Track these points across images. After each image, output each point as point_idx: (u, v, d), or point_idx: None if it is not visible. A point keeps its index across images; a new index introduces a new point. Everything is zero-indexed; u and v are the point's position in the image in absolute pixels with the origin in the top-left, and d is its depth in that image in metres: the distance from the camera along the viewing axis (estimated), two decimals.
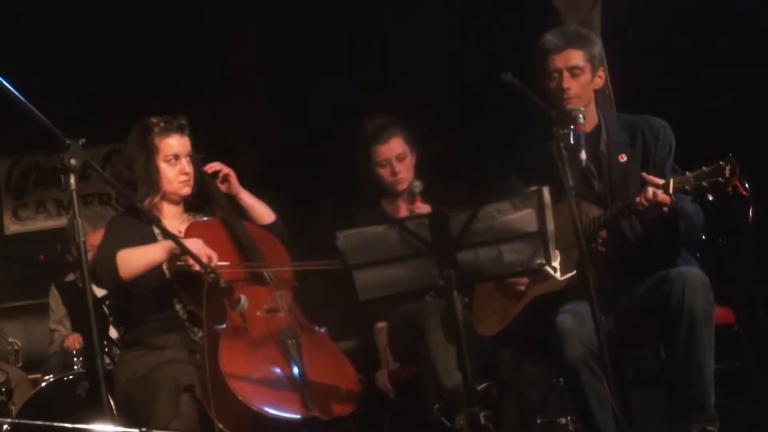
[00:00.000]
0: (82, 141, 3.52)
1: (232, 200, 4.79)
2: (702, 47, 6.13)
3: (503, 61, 4.03)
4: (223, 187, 4.78)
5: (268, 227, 4.81)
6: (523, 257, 3.64)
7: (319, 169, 7.38)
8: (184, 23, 7.38)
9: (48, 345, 7.15)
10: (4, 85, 3.42)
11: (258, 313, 4.40)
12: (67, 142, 3.48)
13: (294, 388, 4.17)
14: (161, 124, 4.60)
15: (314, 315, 4.61)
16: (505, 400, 5.00)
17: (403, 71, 6.80)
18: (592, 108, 4.50)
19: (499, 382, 4.94)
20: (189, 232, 4.49)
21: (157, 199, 4.61)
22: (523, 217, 3.58)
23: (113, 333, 6.11)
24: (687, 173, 4.07)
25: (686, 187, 4.05)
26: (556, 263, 3.78)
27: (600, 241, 4.33)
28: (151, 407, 4.18)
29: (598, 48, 4.51)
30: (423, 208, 5.10)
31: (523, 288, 4.45)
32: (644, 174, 4.20)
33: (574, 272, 4.14)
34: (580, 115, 4.21)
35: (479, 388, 4.83)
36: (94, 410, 3.66)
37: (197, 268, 4.21)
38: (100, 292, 5.62)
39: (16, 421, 5.44)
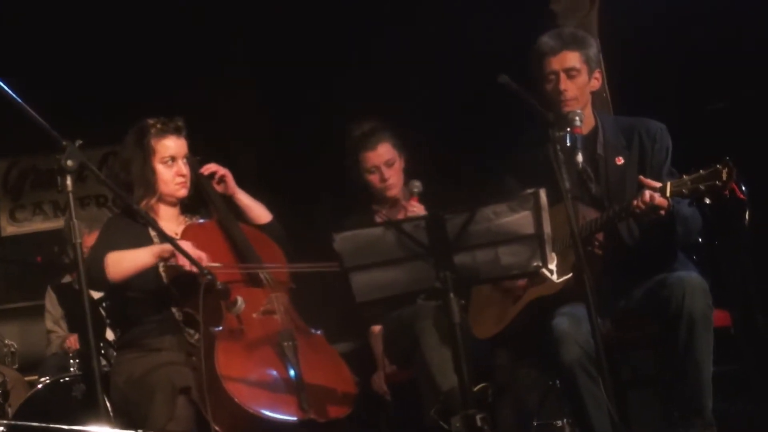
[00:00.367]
0: (78, 142, 3.52)
1: (229, 201, 4.79)
2: (699, 49, 6.14)
3: (501, 63, 4.03)
4: (219, 188, 4.78)
5: (265, 227, 4.82)
6: (519, 260, 3.63)
7: (316, 170, 7.37)
8: (181, 24, 7.38)
9: (45, 347, 7.14)
10: (2, 87, 3.42)
11: (254, 315, 4.40)
12: (64, 143, 3.49)
13: (290, 391, 4.17)
14: (158, 126, 4.61)
15: (311, 317, 4.61)
16: (502, 402, 4.99)
17: (401, 73, 6.80)
18: (589, 110, 4.51)
19: (496, 385, 4.93)
20: (185, 235, 4.49)
21: (153, 200, 4.61)
22: (520, 220, 3.58)
23: (110, 335, 6.10)
24: (684, 176, 4.07)
25: (683, 190, 4.04)
26: (552, 266, 3.78)
27: (596, 243, 4.33)
28: (148, 409, 4.18)
29: (594, 50, 4.52)
30: (417, 208, 5.08)
31: (519, 290, 4.45)
32: (641, 177, 4.20)
33: (571, 275, 4.15)
34: (577, 118, 4.22)
35: (475, 389, 4.84)
36: (91, 412, 3.66)
37: (189, 268, 4.21)
38: (97, 294, 5.61)
39: (13, 422, 5.42)
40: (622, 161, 4.43)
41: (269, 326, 4.39)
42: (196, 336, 4.39)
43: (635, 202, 4.12)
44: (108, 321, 5.99)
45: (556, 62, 4.43)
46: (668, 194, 4.06)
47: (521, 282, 4.43)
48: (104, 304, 5.83)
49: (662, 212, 4.10)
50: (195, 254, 4.22)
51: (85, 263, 4.29)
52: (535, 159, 4.25)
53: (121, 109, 5.68)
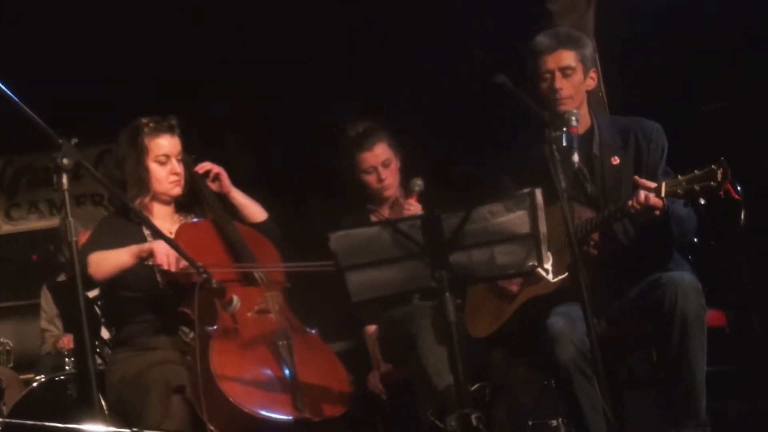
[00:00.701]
0: (74, 141, 3.52)
1: (224, 199, 4.79)
2: (695, 49, 6.14)
3: (497, 63, 4.03)
4: (214, 186, 4.78)
5: (260, 226, 4.81)
6: (515, 259, 3.64)
7: (312, 169, 7.37)
8: (177, 24, 7.37)
9: (40, 345, 7.14)
10: None
11: (249, 314, 4.39)
12: (60, 141, 3.48)
13: (285, 390, 4.17)
14: (151, 125, 4.61)
15: (306, 316, 4.61)
16: (497, 402, 4.99)
17: (397, 73, 6.79)
18: (585, 110, 4.50)
19: (491, 384, 4.94)
20: (179, 234, 4.49)
21: (147, 199, 4.61)
22: (516, 219, 3.58)
23: (105, 333, 6.10)
24: (679, 177, 4.07)
25: (678, 190, 4.04)
26: (548, 265, 3.78)
27: (592, 243, 4.33)
28: (142, 407, 4.18)
29: (589, 49, 4.52)
30: (415, 207, 5.08)
31: (515, 290, 4.46)
32: (636, 177, 4.20)
33: (566, 274, 4.15)
34: (573, 118, 4.21)
35: (473, 389, 4.84)
36: (86, 410, 3.66)
37: (166, 267, 4.19)
38: (92, 293, 5.61)
39: (8, 420, 5.42)
40: (618, 161, 4.44)
41: (264, 325, 4.39)
42: (191, 335, 4.39)
43: (630, 203, 4.12)
44: (103, 320, 5.98)
45: (552, 61, 4.43)
46: (663, 194, 4.07)
47: (517, 281, 4.43)
48: (99, 303, 5.83)
49: (657, 212, 4.11)
50: (173, 255, 4.21)
51: (70, 262, 4.30)
52: (531, 159, 4.26)
53: (117, 107, 5.68)
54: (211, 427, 4.07)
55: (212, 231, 4.63)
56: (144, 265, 4.32)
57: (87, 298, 4.21)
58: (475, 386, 4.89)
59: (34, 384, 6.04)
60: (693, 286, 4.13)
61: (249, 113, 7.90)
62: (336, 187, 5.70)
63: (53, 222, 8.50)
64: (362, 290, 3.68)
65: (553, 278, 4.18)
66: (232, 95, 7.90)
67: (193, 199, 4.78)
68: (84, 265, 4.26)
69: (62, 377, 6.06)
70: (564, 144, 4.09)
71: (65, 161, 3.47)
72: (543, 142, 3.95)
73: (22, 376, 6.60)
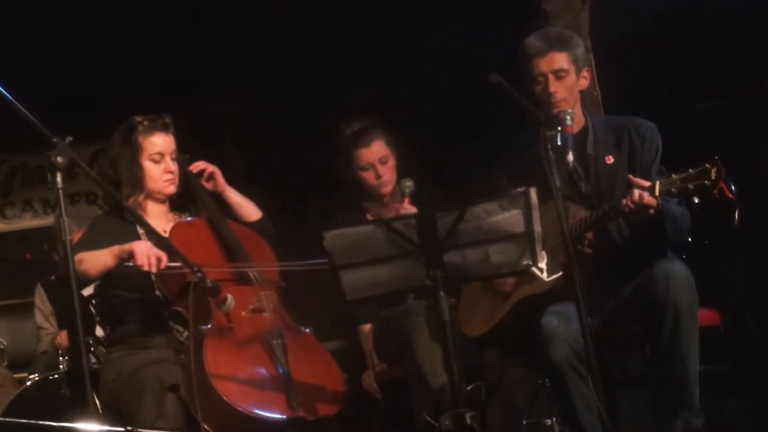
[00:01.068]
0: (69, 139, 3.52)
1: (218, 198, 4.79)
2: (690, 48, 6.14)
3: (492, 62, 4.03)
4: (208, 185, 4.78)
5: (254, 225, 4.81)
6: (510, 258, 3.64)
7: (307, 168, 7.38)
8: (172, 22, 7.37)
9: (35, 344, 7.14)
10: None
11: (243, 313, 4.39)
12: (54, 140, 3.48)
13: (279, 389, 4.17)
14: (145, 123, 4.61)
15: (300, 315, 4.61)
16: (491, 401, 5.00)
17: (393, 73, 6.80)
18: (579, 109, 4.50)
19: (486, 383, 4.94)
20: (173, 233, 4.49)
21: (141, 197, 4.61)
22: (511, 218, 3.58)
23: (100, 332, 6.10)
24: (673, 176, 4.07)
25: (672, 189, 4.04)
26: (542, 264, 3.78)
27: (586, 242, 4.33)
28: (136, 406, 4.17)
29: (581, 49, 4.51)
30: (410, 209, 5.08)
31: (509, 289, 4.46)
32: (630, 176, 4.20)
33: (561, 273, 4.15)
34: (568, 117, 4.21)
35: (469, 388, 4.85)
36: (80, 409, 3.65)
37: (146, 268, 4.18)
38: (87, 291, 5.61)
39: (2, 419, 5.42)
40: (612, 160, 4.43)
41: (258, 324, 4.39)
42: (185, 334, 4.38)
43: (624, 202, 4.12)
44: (98, 318, 5.98)
45: (544, 64, 4.42)
46: (657, 193, 4.06)
47: (511, 280, 4.43)
48: (94, 302, 5.83)
49: (651, 211, 4.10)
50: (154, 254, 4.20)
51: (61, 261, 4.30)
52: (527, 158, 4.26)
53: (112, 106, 5.66)
54: (206, 426, 4.07)
55: (207, 230, 4.63)
56: (126, 266, 4.30)
57: (81, 296, 4.21)
58: (470, 385, 4.89)
59: (28, 383, 6.04)
60: (685, 278, 4.13)
61: (248, 113, 7.90)
62: (331, 186, 5.71)
63: (47, 221, 8.50)
64: (357, 289, 3.68)
65: (547, 277, 4.17)
66: (232, 95, 7.90)
67: (187, 197, 4.78)
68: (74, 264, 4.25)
69: (56, 376, 6.06)
70: (559, 143, 4.09)
71: (60, 160, 3.47)
72: (538, 141, 3.96)
73: (16, 375, 6.60)
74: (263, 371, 4.23)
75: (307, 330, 4.56)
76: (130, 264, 4.25)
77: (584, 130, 4.50)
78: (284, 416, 4.11)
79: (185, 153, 4.77)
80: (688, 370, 4.11)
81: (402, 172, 5.34)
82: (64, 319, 6.87)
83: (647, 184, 4.10)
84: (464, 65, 6.22)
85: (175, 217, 4.72)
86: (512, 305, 4.45)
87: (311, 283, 4.42)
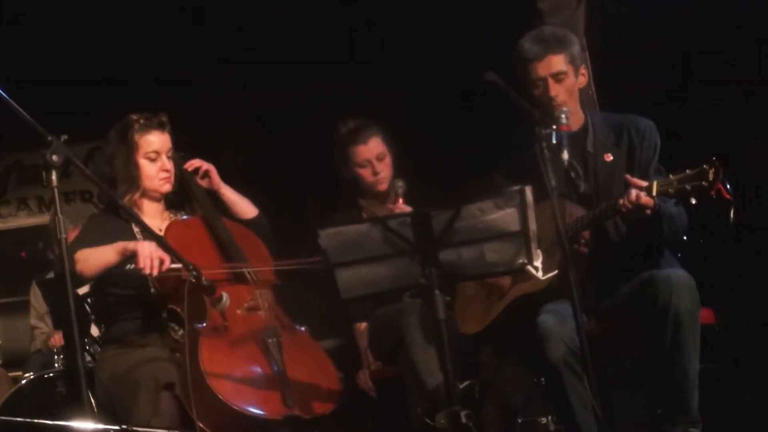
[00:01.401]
0: (64, 137, 3.51)
1: (214, 196, 4.78)
2: (687, 47, 6.15)
3: (487, 61, 4.03)
4: (204, 183, 4.78)
5: (250, 223, 4.81)
6: (505, 256, 3.64)
7: (303, 167, 7.37)
8: (168, 20, 7.37)
9: (29, 342, 7.13)
10: None
11: (238, 312, 4.39)
12: (49, 138, 3.48)
13: (274, 387, 4.16)
14: (141, 121, 4.60)
15: (295, 313, 4.60)
16: (486, 399, 5.00)
17: (389, 72, 6.80)
18: (578, 107, 4.49)
19: (481, 382, 4.94)
20: (169, 231, 4.48)
21: (137, 196, 4.60)
22: (506, 217, 3.59)
23: (95, 331, 6.09)
24: (671, 176, 4.06)
25: (669, 190, 4.03)
26: (538, 263, 3.78)
27: (583, 241, 4.33)
28: (131, 405, 4.17)
29: (577, 47, 4.49)
30: (404, 209, 5.07)
31: (505, 287, 4.46)
32: (627, 176, 4.20)
33: (557, 272, 4.15)
34: (563, 115, 4.20)
35: (462, 386, 4.84)
36: (75, 408, 3.65)
37: (141, 265, 4.17)
38: (82, 290, 5.60)
39: None
40: (611, 158, 4.43)
41: (254, 323, 4.38)
42: (180, 332, 4.38)
43: (621, 201, 4.11)
44: (93, 317, 5.98)
45: (542, 68, 4.39)
46: (654, 193, 4.06)
47: (506, 279, 4.43)
48: (89, 300, 5.82)
49: (648, 211, 4.10)
50: (157, 255, 4.18)
51: (59, 259, 4.28)
52: (521, 156, 4.25)
53: (108, 104, 5.66)
54: (201, 425, 4.07)
55: (202, 228, 4.63)
56: (128, 266, 4.29)
57: (76, 295, 4.20)
58: (465, 384, 4.89)
59: (23, 381, 6.04)
60: (687, 284, 4.12)
61: (248, 113, 7.90)
62: (327, 184, 5.70)
63: (42, 219, 8.50)
64: (352, 287, 3.69)
65: (543, 276, 4.17)
66: (224, 93, 7.90)
67: (183, 196, 4.77)
68: (72, 263, 4.24)
69: (51, 374, 6.06)
70: (554, 142, 4.08)
71: (55, 158, 3.47)
72: (533, 139, 3.95)
73: (10, 374, 6.59)
74: (258, 369, 4.23)
75: (303, 328, 4.56)
76: (131, 266, 4.24)
77: (584, 128, 4.49)
78: (279, 415, 4.10)
79: (181, 151, 4.76)
80: (688, 377, 4.10)
81: (398, 170, 5.34)
82: (59, 317, 6.86)
83: (644, 184, 4.09)
84: (459, 64, 6.22)
85: (171, 215, 4.71)
86: (508, 303, 4.45)
87: (307, 281, 4.42)
